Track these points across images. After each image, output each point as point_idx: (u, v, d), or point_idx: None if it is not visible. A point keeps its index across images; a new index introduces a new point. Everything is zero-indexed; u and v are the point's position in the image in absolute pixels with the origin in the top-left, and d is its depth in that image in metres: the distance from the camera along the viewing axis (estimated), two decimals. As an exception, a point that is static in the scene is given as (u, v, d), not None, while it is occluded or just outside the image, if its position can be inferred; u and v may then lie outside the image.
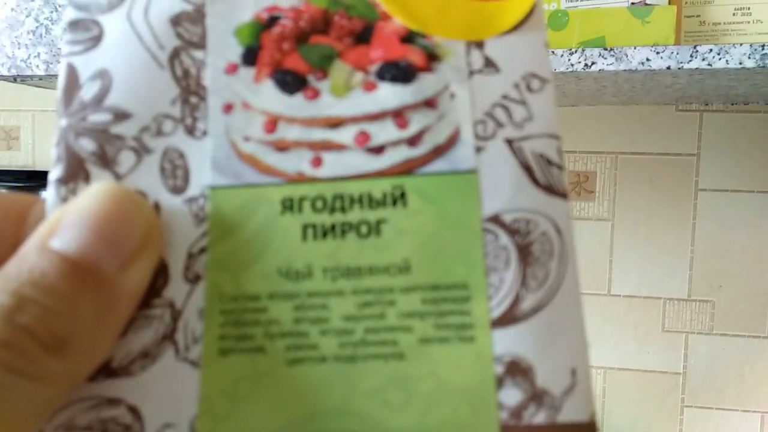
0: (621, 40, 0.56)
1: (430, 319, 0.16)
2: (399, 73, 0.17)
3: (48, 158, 0.92)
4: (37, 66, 0.60)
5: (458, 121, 0.17)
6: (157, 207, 0.17)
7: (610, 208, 0.81)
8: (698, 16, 0.62)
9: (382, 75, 0.17)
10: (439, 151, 0.17)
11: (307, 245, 0.17)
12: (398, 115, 0.17)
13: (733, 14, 0.61)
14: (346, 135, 0.17)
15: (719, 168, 0.78)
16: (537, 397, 0.16)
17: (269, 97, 0.17)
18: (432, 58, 0.18)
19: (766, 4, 0.60)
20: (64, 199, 0.17)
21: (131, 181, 0.17)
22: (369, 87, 0.17)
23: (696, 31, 0.62)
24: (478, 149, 0.17)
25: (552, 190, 0.17)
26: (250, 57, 0.18)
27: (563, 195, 0.17)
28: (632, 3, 0.59)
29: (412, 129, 0.17)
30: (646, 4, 0.58)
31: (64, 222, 0.16)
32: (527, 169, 0.17)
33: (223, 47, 0.18)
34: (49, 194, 0.17)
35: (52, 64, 0.59)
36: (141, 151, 0.17)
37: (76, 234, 0.15)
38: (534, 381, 0.16)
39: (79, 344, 0.15)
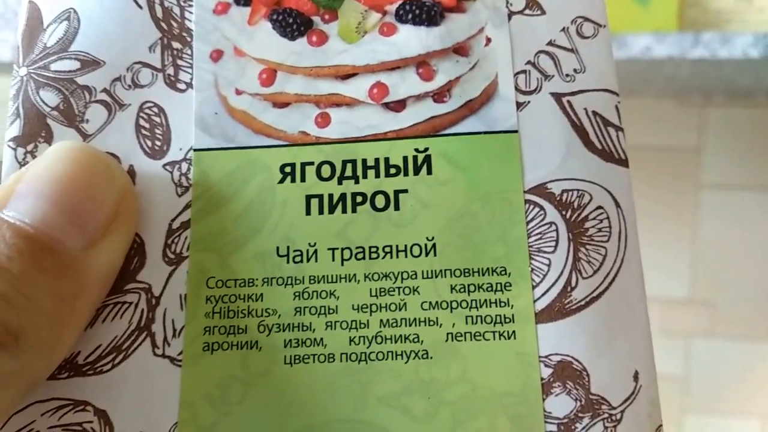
0: (622, 26, 0.54)
1: (460, 310, 0.13)
2: (423, 13, 0.14)
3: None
4: (5, 52, 0.57)
5: (495, 72, 0.14)
6: (131, 172, 0.14)
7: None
8: (700, 3, 0.61)
9: (402, 16, 0.14)
10: (471, 108, 0.14)
11: (312, 220, 0.14)
12: (422, 64, 0.14)
13: (736, 2, 0.60)
14: (358, 88, 0.14)
15: (722, 164, 0.74)
16: (592, 406, 0.13)
17: (266, 42, 0.14)
18: (463, -5, 0.15)
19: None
20: (21, 162, 0.14)
21: (101, 140, 0.14)
22: (387, 30, 0.14)
23: (698, 19, 0.60)
24: (520, 105, 0.14)
25: (610, 155, 0.14)
26: (244, -6, 0.15)
27: (623, 162, 0.14)
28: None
29: (439, 81, 0.14)
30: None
31: (19, 189, 0.13)
32: (579, 129, 0.14)
33: (211, -18, 0.15)
34: (4, 157, 0.14)
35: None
36: (113, 105, 0.14)
37: (34, 203, 0.13)
38: (588, 386, 0.13)
39: (35, 338, 0.12)
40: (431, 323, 0.13)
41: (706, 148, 0.76)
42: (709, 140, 0.76)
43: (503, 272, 0.13)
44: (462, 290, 0.13)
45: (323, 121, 0.14)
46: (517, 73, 0.14)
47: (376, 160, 0.14)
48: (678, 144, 0.77)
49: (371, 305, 0.13)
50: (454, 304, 0.13)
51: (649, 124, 0.77)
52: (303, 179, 0.14)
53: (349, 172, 0.14)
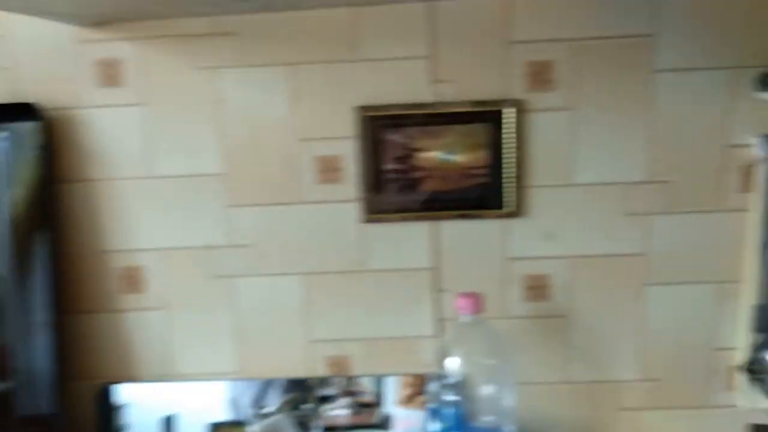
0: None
1: None
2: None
3: None
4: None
5: None
6: None
7: (570, 97, 0.79)
8: None
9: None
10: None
11: None
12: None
13: None
14: None
15: (675, 47, 0.77)
16: None
17: None
18: None
19: None
20: None
21: None
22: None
23: None
24: None
25: None
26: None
27: None
28: None
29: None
30: None
31: None
32: None
33: None
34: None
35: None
36: None
37: None
38: None
39: None
40: None
41: (660, 33, 0.77)
42: (663, 25, 0.77)
43: None
44: None
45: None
46: None
47: None
48: (633, 31, 0.78)
49: None
50: None
51: (606, 14, 0.77)
52: None
53: None
